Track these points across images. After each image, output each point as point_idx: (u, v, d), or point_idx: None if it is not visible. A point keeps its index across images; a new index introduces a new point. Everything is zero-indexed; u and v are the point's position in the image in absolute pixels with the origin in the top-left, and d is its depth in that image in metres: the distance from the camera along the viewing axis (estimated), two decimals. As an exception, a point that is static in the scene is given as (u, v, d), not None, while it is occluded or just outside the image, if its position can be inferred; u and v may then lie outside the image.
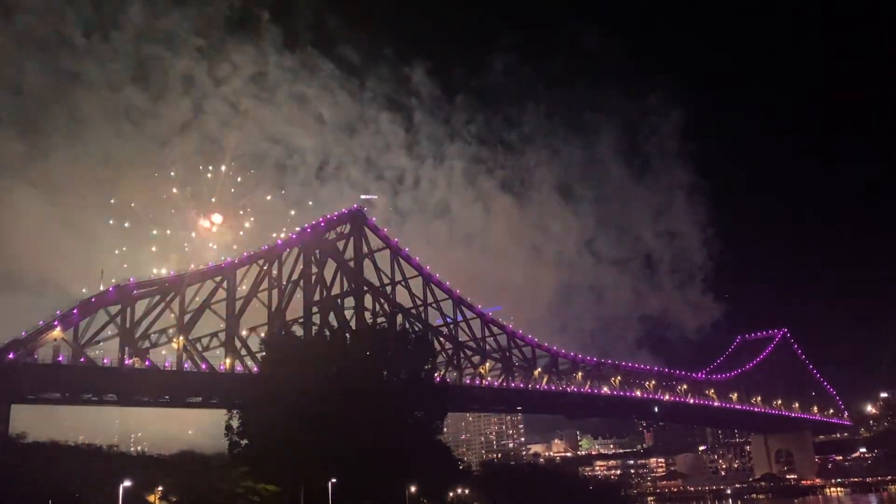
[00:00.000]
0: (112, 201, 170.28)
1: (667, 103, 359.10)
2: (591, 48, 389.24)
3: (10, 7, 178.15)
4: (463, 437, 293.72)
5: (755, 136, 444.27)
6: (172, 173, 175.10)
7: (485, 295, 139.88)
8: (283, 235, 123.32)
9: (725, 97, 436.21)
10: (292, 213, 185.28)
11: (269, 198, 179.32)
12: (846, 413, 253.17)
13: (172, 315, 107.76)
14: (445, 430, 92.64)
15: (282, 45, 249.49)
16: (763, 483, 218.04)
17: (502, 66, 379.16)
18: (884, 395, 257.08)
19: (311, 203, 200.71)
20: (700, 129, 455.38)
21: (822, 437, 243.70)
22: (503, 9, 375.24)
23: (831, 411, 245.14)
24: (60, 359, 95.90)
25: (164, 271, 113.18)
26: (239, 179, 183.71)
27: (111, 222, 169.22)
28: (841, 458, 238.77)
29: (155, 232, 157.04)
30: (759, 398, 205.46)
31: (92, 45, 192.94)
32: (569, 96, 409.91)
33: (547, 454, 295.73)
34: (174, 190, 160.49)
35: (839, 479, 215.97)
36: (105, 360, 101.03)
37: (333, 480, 74.29)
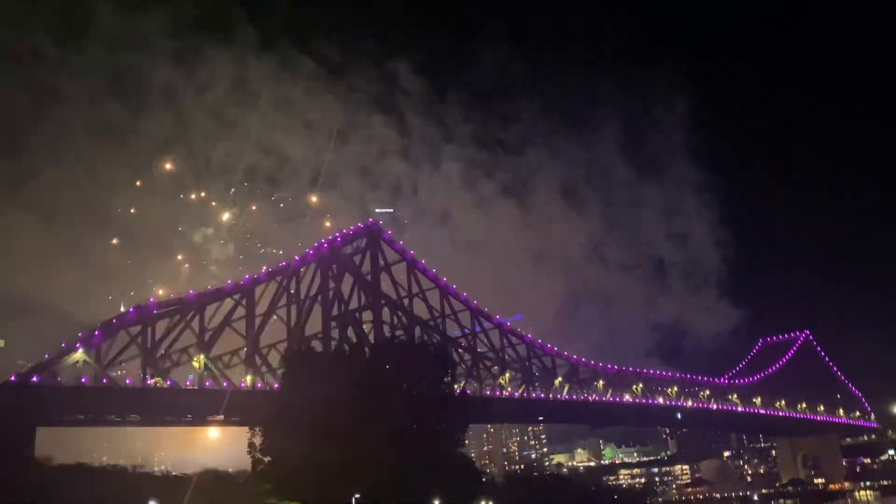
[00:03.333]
0: (108, 222, 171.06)
1: (670, 93, 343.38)
2: (584, 35, 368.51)
3: None
4: (485, 448, 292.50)
5: (768, 128, 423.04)
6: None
7: (489, 305, 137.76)
8: (279, 252, 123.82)
9: (733, 84, 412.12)
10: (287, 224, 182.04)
11: (254, 207, 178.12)
12: (872, 415, 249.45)
13: (193, 334, 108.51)
14: (467, 442, 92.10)
15: (258, 45, 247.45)
16: (790, 488, 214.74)
17: (492, 59, 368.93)
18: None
19: (307, 217, 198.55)
20: (707, 120, 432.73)
21: (849, 439, 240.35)
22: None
23: (857, 413, 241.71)
24: (84, 380, 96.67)
25: (160, 292, 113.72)
26: (232, 191, 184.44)
27: (114, 241, 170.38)
28: (869, 460, 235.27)
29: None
30: (783, 402, 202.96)
31: (65, 56, 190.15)
32: (565, 89, 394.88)
33: (570, 464, 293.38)
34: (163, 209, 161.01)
35: (868, 482, 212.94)
36: (127, 381, 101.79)
37: (357, 496, 74.20)
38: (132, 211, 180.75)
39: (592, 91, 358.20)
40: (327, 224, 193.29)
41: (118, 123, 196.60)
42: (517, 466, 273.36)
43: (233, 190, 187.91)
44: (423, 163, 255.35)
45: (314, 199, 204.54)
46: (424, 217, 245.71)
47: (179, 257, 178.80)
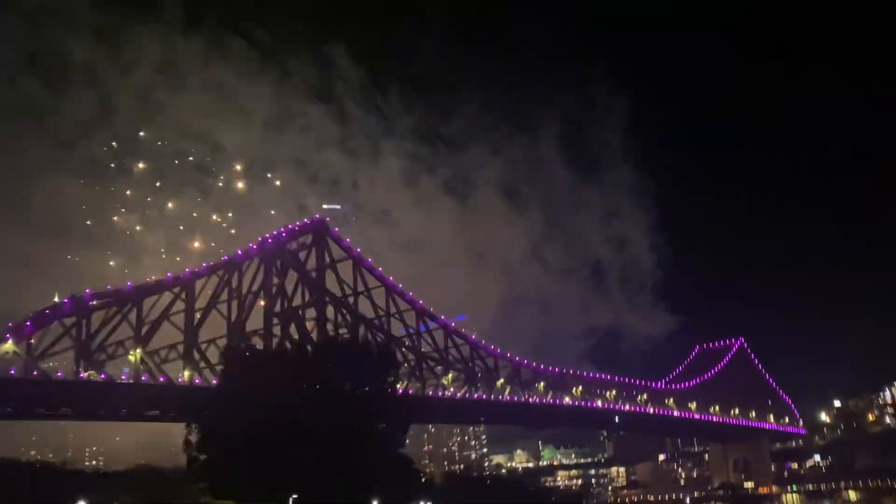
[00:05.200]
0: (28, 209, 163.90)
1: (609, 92, 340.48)
2: (522, 30, 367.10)
3: None
4: (425, 448, 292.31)
5: (700, 131, 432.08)
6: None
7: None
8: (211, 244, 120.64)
9: (670, 84, 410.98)
10: (215, 217, 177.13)
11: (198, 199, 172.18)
12: (801, 421, 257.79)
13: (130, 327, 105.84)
14: (408, 441, 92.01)
15: (184, 22, 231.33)
16: (721, 492, 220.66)
17: (431, 49, 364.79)
18: (837, 403, 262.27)
19: (230, 213, 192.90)
20: (643, 122, 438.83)
21: (778, 445, 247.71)
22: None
23: (787, 420, 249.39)
24: (12, 372, 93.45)
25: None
26: (158, 184, 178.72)
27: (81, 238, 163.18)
28: (796, 465, 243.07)
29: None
30: (717, 407, 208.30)
31: None
32: (506, 85, 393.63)
33: (509, 465, 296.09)
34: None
35: (795, 487, 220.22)
36: (59, 374, 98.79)
37: (294, 496, 73.35)
38: (54, 198, 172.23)
39: (533, 88, 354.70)
40: (265, 215, 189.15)
41: (37, 102, 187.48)
42: (457, 467, 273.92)
43: (159, 182, 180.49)
44: (363, 156, 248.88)
45: (244, 189, 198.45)
46: (363, 213, 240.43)
47: (109, 252, 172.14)
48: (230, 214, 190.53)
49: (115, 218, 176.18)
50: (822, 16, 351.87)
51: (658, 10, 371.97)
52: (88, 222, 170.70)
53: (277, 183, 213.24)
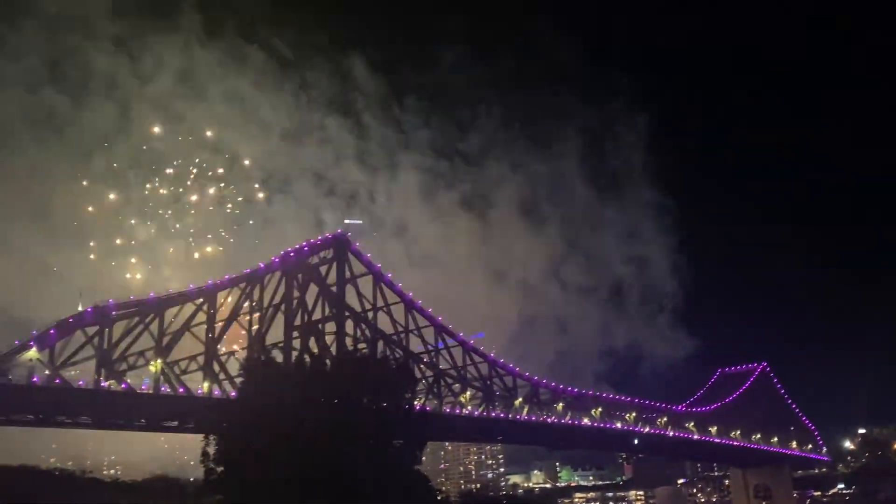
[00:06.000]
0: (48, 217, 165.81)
1: (631, 108, 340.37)
2: (543, 45, 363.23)
3: None
4: (441, 466, 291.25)
5: (723, 150, 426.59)
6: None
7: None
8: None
9: (692, 100, 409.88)
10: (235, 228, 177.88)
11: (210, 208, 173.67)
12: (824, 448, 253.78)
13: (151, 337, 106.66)
14: (424, 459, 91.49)
15: (203, 32, 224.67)
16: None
17: (451, 62, 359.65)
18: (861, 431, 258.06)
19: (251, 222, 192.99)
20: (666, 140, 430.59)
21: (800, 472, 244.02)
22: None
23: (810, 446, 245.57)
24: (35, 380, 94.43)
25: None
26: (177, 194, 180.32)
27: (92, 244, 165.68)
28: (819, 493, 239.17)
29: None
30: (738, 432, 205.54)
31: (2, 35, 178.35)
32: (525, 99, 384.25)
33: (526, 485, 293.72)
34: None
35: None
36: (80, 382, 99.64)
37: (311, 510, 73.05)
38: (74, 206, 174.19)
39: (552, 103, 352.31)
40: (283, 228, 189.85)
41: (57, 111, 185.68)
42: (473, 486, 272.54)
43: (177, 192, 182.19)
44: (380, 169, 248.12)
45: (265, 201, 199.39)
46: (380, 227, 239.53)
47: (133, 260, 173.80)
48: (251, 222, 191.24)
49: (133, 224, 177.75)
50: (842, 35, 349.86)
51: (682, 27, 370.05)
52: (107, 231, 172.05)
53: (295, 195, 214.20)
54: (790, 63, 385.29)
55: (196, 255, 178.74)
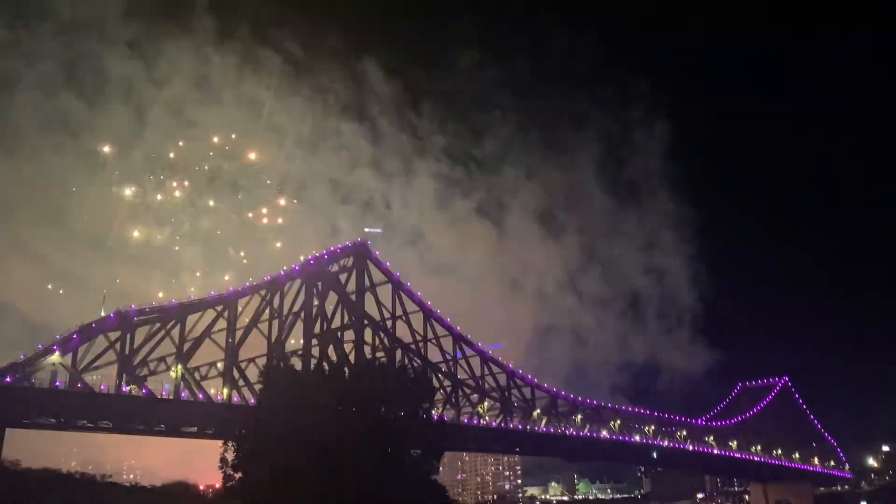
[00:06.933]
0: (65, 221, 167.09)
1: (649, 115, 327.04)
2: (559, 50, 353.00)
3: None
4: (458, 476, 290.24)
5: (743, 158, 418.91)
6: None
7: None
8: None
9: (713, 107, 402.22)
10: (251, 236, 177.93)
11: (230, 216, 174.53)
12: (847, 465, 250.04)
13: (172, 343, 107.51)
14: (441, 469, 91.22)
15: (217, 36, 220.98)
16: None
17: (466, 66, 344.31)
18: (885, 448, 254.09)
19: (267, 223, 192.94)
20: (684, 148, 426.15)
21: (822, 489, 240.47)
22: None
23: (832, 463, 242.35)
24: (58, 384, 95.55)
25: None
26: (193, 199, 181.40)
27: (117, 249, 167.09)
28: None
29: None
30: (758, 447, 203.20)
31: (19, 38, 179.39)
32: (541, 105, 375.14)
33: (543, 497, 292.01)
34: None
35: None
36: (102, 387, 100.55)
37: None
38: (92, 211, 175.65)
39: (569, 109, 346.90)
40: (299, 235, 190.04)
41: (73, 115, 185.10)
42: (490, 497, 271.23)
43: (194, 198, 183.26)
44: (395, 176, 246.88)
45: (282, 208, 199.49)
46: (396, 234, 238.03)
47: (151, 266, 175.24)
48: (269, 230, 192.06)
49: (151, 229, 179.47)
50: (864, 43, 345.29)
51: (700, 33, 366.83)
52: (125, 236, 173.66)
53: (310, 201, 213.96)
54: (813, 70, 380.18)
55: (214, 261, 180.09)
